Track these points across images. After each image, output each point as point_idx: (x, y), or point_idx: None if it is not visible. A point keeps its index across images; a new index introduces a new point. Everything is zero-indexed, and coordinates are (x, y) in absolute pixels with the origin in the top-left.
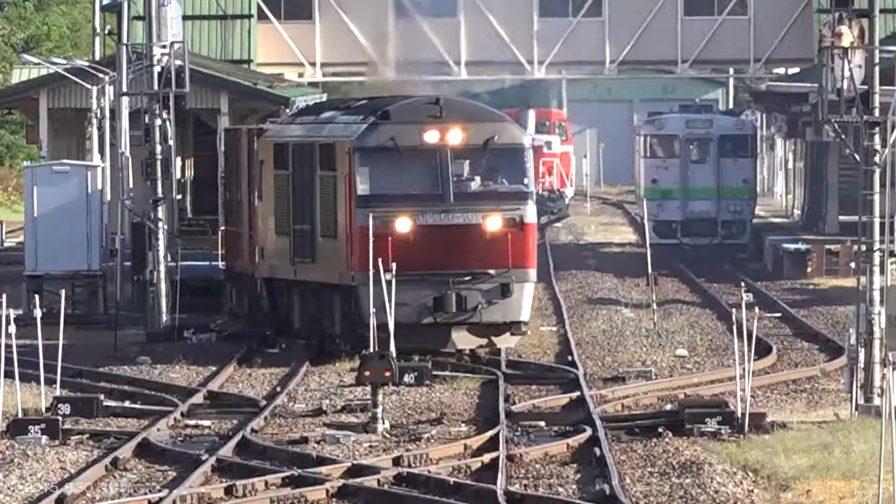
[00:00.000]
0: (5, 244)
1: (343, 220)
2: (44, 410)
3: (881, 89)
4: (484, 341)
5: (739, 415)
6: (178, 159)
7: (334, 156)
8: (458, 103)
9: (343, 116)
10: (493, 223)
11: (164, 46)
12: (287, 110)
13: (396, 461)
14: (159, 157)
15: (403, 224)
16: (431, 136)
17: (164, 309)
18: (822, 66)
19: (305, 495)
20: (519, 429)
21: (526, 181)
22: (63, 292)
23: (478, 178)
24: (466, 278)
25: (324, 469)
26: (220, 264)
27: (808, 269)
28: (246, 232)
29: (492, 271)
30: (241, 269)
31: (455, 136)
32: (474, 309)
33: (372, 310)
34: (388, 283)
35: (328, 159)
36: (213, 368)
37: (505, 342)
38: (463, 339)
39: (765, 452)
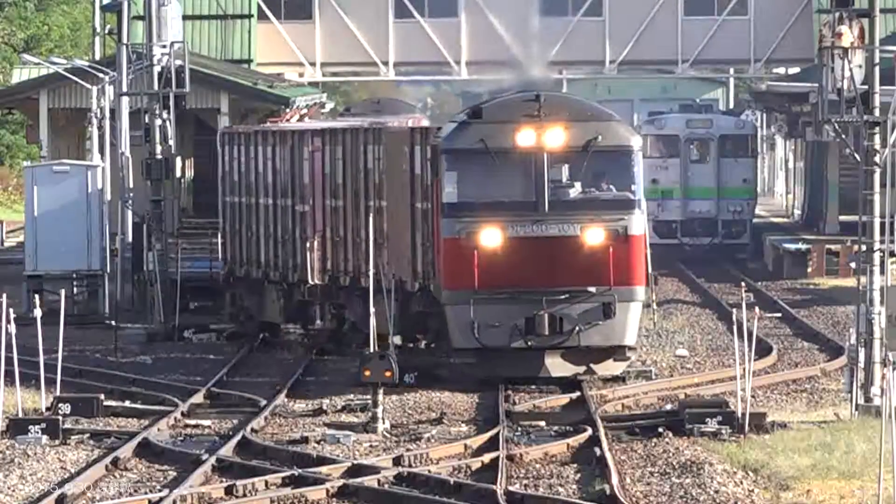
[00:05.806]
0: (5, 244)
1: (434, 230)
2: (44, 410)
3: (881, 89)
4: (582, 368)
5: (739, 415)
6: (178, 159)
7: (436, 159)
8: (560, 99)
9: (460, 115)
10: (594, 235)
11: (164, 46)
12: (287, 110)
13: (397, 461)
14: (159, 156)
15: (491, 236)
16: (526, 138)
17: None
18: (822, 66)
19: (305, 495)
20: (519, 429)
21: (633, 187)
22: (63, 292)
23: (578, 185)
24: (562, 297)
25: (324, 469)
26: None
27: (808, 269)
28: (407, 240)
29: (591, 289)
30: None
31: (552, 136)
32: (571, 331)
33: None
34: (477, 301)
35: (434, 163)
36: (214, 368)
37: (607, 369)
38: (558, 366)
39: (765, 452)
